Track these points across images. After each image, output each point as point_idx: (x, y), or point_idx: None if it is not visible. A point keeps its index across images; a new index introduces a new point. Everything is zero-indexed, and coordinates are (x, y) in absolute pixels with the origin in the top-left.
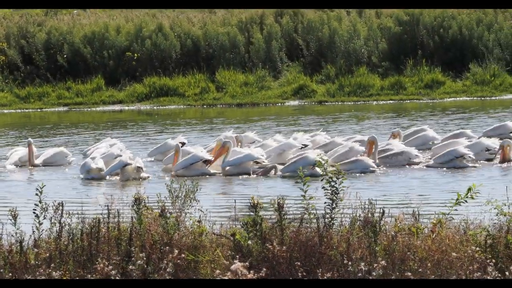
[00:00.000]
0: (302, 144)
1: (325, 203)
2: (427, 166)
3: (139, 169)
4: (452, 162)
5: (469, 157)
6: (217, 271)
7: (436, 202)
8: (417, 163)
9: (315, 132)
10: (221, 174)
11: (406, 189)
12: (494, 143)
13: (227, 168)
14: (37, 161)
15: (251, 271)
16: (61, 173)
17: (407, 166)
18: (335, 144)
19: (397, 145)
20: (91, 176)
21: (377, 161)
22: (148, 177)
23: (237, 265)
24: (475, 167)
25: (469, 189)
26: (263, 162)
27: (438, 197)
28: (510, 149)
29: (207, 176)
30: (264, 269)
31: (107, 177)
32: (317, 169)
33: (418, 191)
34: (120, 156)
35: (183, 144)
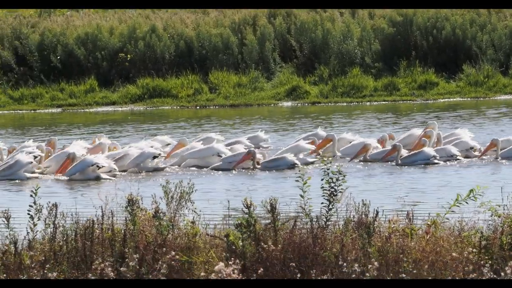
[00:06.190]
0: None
1: (322, 203)
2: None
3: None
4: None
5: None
6: (202, 273)
7: (432, 202)
8: None
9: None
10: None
11: (401, 189)
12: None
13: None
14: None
15: (236, 271)
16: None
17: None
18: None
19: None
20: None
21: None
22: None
23: (220, 265)
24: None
25: (471, 191)
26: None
27: (434, 198)
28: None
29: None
30: (259, 270)
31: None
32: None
33: (413, 192)
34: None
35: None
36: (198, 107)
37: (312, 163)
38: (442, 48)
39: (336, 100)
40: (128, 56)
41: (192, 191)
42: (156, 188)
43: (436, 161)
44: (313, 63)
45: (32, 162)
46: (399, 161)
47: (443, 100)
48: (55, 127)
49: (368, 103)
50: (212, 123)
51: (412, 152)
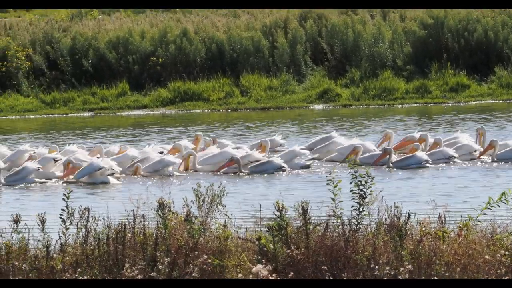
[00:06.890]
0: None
1: (352, 206)
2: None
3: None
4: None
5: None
6: (240, 275)
7: (463, 205)
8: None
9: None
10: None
11: (432, 192)
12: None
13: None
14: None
15: (274, 275)
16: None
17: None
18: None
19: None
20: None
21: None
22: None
23: (258, 267)
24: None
25: (503, 194)
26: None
27: (464, 200)
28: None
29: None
30: (290, 274)
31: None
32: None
33: (444, 195)
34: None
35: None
36: (229, 110)
37: (308, 166)
38: (474, 50)
39: (368, 102)
40: (160, 59)
41: (223, 195)
42: (186, 192)
43: (428, 165)
44: (344, 66)
45: (39, 169)
46: (391, 165)
47: (475, 102)
48: (85, 130)
49: (399, 106)
50: (236, 126)
51: (404, 156)
